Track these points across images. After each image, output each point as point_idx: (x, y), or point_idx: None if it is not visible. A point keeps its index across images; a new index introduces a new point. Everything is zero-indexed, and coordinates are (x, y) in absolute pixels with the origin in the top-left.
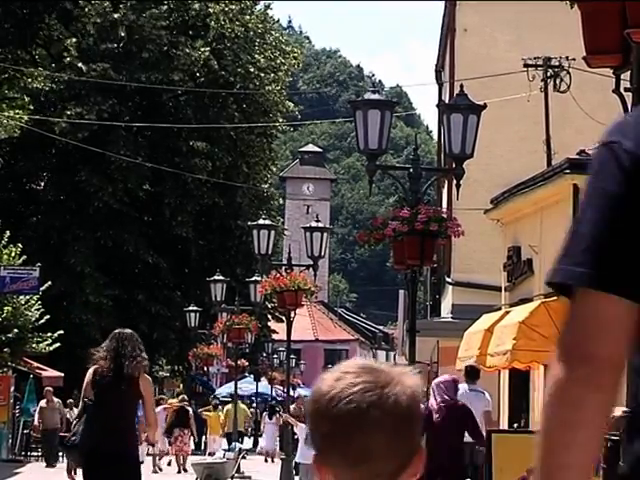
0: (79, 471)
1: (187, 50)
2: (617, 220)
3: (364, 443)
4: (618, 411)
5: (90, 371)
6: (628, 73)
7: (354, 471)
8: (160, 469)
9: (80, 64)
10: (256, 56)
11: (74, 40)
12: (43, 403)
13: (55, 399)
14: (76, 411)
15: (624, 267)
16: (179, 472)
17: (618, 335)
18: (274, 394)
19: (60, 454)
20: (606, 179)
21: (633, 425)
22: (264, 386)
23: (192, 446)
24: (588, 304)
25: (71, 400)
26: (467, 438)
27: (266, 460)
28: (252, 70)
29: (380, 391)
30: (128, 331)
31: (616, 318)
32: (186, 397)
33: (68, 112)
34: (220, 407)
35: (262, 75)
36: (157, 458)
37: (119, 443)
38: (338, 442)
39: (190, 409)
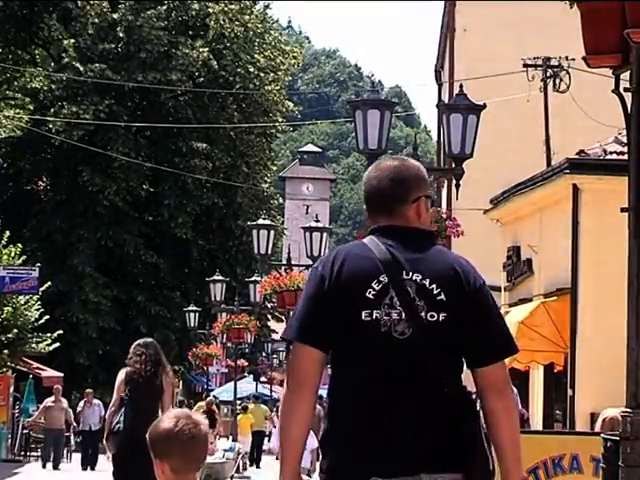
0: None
1: (186, 50)
2: (309, 308)
3: (194, 452)
4: (616, 412)
5: (122, 372)
6: (628, 73)
7: (187, 465)
8: None
9: (78, 64)
10: (256, 56)
11: (72, 41)
12: (50, 402)
13: (63, 399)
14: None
15: (311, 331)
16: None
17: (310, 367)
18: (274, 395)
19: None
20: (308, 287)
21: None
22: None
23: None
24: (296, 349)
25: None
26: None
27: (277, 458)
28: (252, 70)
29: (199, 427)
30: (149, 340)
31: (309, 358)
32: (214, 399)
33: (64, 111)
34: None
35: (262, 75)
36: None
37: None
38: (180, 453)
39: (217, 410)
